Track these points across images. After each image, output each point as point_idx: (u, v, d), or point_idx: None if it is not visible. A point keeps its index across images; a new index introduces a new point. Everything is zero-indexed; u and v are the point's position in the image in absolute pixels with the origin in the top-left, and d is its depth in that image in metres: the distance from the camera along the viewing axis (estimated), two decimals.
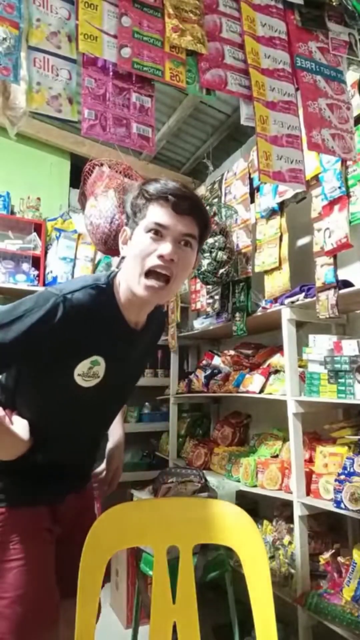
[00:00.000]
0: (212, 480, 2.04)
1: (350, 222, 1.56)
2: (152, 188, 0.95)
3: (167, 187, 0.94)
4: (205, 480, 1.95)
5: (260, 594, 0.91)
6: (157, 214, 0.93)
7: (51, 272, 2.78)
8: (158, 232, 0.93)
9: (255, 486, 1.99)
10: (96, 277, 0.99)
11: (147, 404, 3.15)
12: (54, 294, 0.90)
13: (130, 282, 0.95)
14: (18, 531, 0.97)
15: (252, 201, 2.18)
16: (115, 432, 1.33)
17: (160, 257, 0.91)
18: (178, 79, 1.17)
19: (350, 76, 1.52)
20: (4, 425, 0.95)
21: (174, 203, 0.93)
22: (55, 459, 1.04)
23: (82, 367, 0.96)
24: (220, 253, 2.09)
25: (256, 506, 2.29)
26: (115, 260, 3.06)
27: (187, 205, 0.94)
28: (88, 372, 0.97)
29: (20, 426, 0.99)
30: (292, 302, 1.84)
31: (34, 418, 1.01)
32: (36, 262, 2.81)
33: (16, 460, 0.98)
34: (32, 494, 1.02)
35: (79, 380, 0.97)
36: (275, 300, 1.97)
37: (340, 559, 1.59)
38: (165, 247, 0.91)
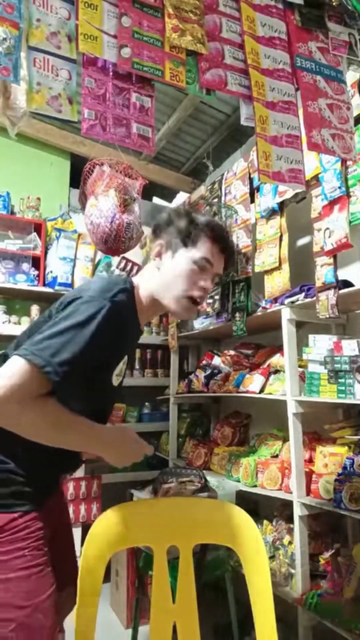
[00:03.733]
0: (212, 480, 2.04)
1: (350, 222, 1.56)
2: (206, 222, 1.09)
3: (221, 228, 1.12)
4: (205, 480, 1.95)
5: (260, 594, 0.91)
6: (210, 251, 1.08)
7: (51, 272, 2.79)
8: (204, 267, 1.07)
9: (255, 486, 1.99)
10: (124, 280, 1.02)
11: (147, 404, 3.15)
12: (103, 299, 0.91)
13: (164, 295, 1.06)
14: (34, 536, 0.92)
15: (252, 201, 2.18)
16: None
17: (203, 289, 1.07)
18: (178, 79, 1.17)
19: (350, 76, 1.52)
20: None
21: (223, 246, 1.11)
22: (74, 454, 1.06)
23: (118, 368, 1.03)
24: None
25: (256, 506, 2.29)
26: (115, 260, 3.06)
27: (229, 249, 1.13)
28: (119, 371, 1.05)
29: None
30: (292, 302, 1.84)
31: None
32: (36, 262, 2.82)
33: (50, 456, 0.94)
34: (46, 494, 1.01)
35: (114, 379, 1.03)
36: (275, 300, 1.97)
37: (340, 559, 1.59)
38: (208, 283, 1.08)
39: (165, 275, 1.06)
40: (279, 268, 1.95)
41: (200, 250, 1.06)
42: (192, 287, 1.05)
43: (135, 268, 3.14)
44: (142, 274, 1.11)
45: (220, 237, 1.09)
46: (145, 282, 1.08)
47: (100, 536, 0.93)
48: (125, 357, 1.06)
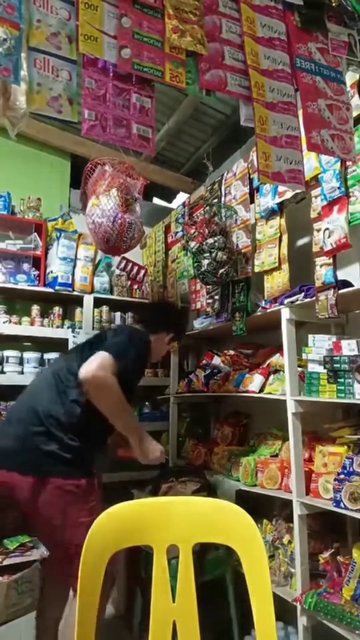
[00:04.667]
0: (212, 479, 2.05)
1: (349, 223, 1.56)
2: (181, 336, 2.12)
3: (184, 328, 2.20)
4: (205, 479, 1.95)
5: (260, 593, 0.91)
6: (177, 342, 2.22)
7: (51, 272, 2.79)
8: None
9: (255, 485, 1.99)
10: (147, 334, 1.85)
11: (147, 403, 3.16)
12: (143, 341, 1.77)
13: (155, 354, 1.92)
14: (93, 496, 1.52)
15: (252, 201, 2.18)
16: None
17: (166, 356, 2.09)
18: (178, 80, 1.17)
19: (350, 77, 1.52)
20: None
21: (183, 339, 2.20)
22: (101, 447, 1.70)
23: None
24: (220, 253, 2.09)
25: (256, 505, 2.29)
26: (115, 260, 3.06)
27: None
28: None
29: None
30: (292, 302, 1.84)
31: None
32: (37, 263, 2.82)
33: (95, 444, 1.62)
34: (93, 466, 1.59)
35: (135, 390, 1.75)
36: (275, 300, 1.98)
37: (339, 558, 1.60)
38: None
39: (159, 351, 1.96)
40: (278, 268, 1.95)
41: (174, 343, 2.10)
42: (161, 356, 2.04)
43: (136, 268, 3.14)
44: (157, 338, 1.89)
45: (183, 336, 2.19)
46: (156, 344, 1.90)
47: (100, 536, 0.93)
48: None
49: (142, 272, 3.14)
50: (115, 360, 1.50)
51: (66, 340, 2.71)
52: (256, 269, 2.08)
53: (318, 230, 1.72)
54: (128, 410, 1.54)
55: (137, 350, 1.64)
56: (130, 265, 3.12)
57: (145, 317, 2.01)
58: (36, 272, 2.78)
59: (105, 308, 3.00)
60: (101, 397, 1.48)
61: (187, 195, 3.21)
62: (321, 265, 1.70)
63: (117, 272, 3.10)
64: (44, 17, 1.05)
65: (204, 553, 1.66)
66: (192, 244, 2.21)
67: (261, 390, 2.06)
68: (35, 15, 1.05)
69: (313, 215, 1.77)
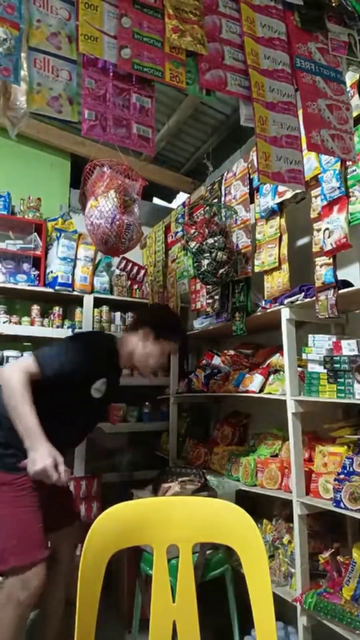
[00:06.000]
0: (212, 479, 2.04)
1: (349, 223, 1.56)
2: (177, 335, 1.84)
3: (181, 334, 1.89)
4: (205, 479, 1.95)
5: (260, 593, 0.91)
6: (174, 348, 1.83)
7: (51, 272, 2.79)
8: (166, 355, 1.80)
9: (255, 485, 1.99)
10: (110, 337, 1.83)
11: (147, 403, 3.16)
12: (98, 347, 1.72)
13: (139, 363, 1.76)
14: (28, 488, 1.48)
15: (252, 201, 2.18)
16: None
17: (162, 366, 1.84)
18: (178, 80, 1.17)
19: (350, 77, 1.52)
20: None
21: (180, 345, 1.85)
22: (59, 447, 1.46)
23: (97, 384, 1.66)
24: (220, 253, 2.09)
25: (256, 505, 2.29)
26: (115, 260, 3.06)
27: (183, 343, 1.85)
28: (99, 387, 1.67)
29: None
30: (292, 302, 1.84)
31: (59, 417, 1.53)
32: (37, 263, 2.82)
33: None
34: None
35: (93, 392, 1.66)
36: (275, 300, 1.98)
37: (339, 558, 1.60)
38: (164, 366, 1.63)
39: (145, 351, 1.74)
40: (278, 268, 1.95)
41: (171, 347, 1.79)
42: (158, 366, 1.81)
43: (136, 268, 3.14)
44: (130, 339, 1.76)
45: (179, 340, 1.83)
46: (131, 346, 1.75)
47: (100, 535, 0.93)
48: (104, 380, 1.67)
49: (142, 272, 3.14)
50: (38, 364, 1.49)
51: None
52: (256, 269, 2.08)
53: (318, 230, 1.72)
54: (26, 412, 1.41)
55: (78, 357, 1.59)
56: (130, 265, 3.12)
57: (140, 322, 1.84)
58: (36, 272, 2.78)
59: (105, 308, 3.00)
60: (3, 396, 1.47)
61: (187, 195, 3.21)
62: (321, 265, 1.70)
63: (117, 272, 3.10)
64: (44, 17, 1.05)
65: (204, 553, 1.66)
66: (192, 244, 2.21)
67: (261, 390, 2.06)
68: (35, 15, 1.05)
69: (313, 215, 1.77)
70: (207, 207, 2.32)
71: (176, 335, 1.81)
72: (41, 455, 1.38)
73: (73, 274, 2.82)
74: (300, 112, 1.32)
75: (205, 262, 2.11)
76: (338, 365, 1.61)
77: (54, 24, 1.06)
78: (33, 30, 1.04)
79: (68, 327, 2.79)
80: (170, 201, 4.09)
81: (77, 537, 1.75)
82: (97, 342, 1.76)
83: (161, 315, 1.98)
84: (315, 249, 1.73)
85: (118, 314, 3.07)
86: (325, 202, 1.66)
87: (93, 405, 1.69)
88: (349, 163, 1.58)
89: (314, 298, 1.71)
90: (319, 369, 1.72)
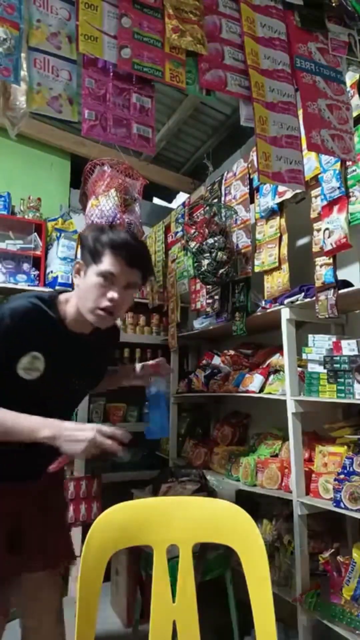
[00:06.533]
0: (212, 479, 2.05)
1: (349, 223, 1.57)
2: (109, 239, 1.15)
3: (123, 241, 1.16)
4: (205, 479, 1.95)
5: (260, 594, 0.91)
6: (112, 264, 1.13)
7: (51, 272, 2.79)
8: (108, 278, 1.13)
9: (255, 485, 1.99)
10: (39, 294, 1.20)
11: (147, 403, 3.15)
12: (13, 314, 1.12)
13: (82, 309, 1.18)
14: None
15: (252, 201, 2.18)
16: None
17: (111, 300, 1.14)
18: (178, 80, 1.17)
19: (350, 77, 1.52)
20: None
21: (127, 257, 1.14)
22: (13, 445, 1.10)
23: (24, 362, 1.13)
24: (220, 253, 2.09)
25: (256, 505, 2.29)
26: None
27: (137, 259, 1.17)
28: (30, 366, 1.14)
29: None
30: (292, 302, 1.84)
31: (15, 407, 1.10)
32: (37, 263, 2.82)
33: None
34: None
35: (21, 373, 1.13)
36: (275, 300, 1.98)
37: (339, 558, 1.59)
38: (114, 293, 1.13)
39: (81, 291, 1.19)
40: (278, 268, 1.95)
41: (104, 264, 1.14)
42: (100, 299, 1.14)
43: None
44: (75, 290, 1.25)
45: (122, 250, 1.14)
46: (74, 298, 1.22)
47: (100, 536, 0.93)
48: (38, 355, 1.14)
49: None
50: None
51: None
52: (256, 269, 2.08)
53: (318, 230, 1.72)
54: (4, 419, 1.06)
55: None
56: None
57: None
58: (36, 272, 2.78)
59: None
60: None
61: (187, 195, 3.21)
62: (321, 265, 1.70)
63: None
64: (44, 17, 1.05)
65: (204, 553, 1.66)
66: (192, 244, 2.21)
67: (261, 390, 2.06)
68: (35, 15, 1.04)
69: (313, 215, 1.77)
70: (207, 207, 2.32)
71: (106, 245, 1.14)
72: (73, 431, 1.03)
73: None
74: (300, 112, 1.32)
75: (205, 262, 2.12)
76: (338, 365, 1.61)
77: (54, 23, 1.06)
78: (33, 30, 1.04)
79: None
80: (170, 201, 4.09)
81: (55, 597, 1.26)
82: (9, 310, 1.12)
83: (84, 234, 1.26)
84: (315, 249, 1.73)
85: None
86: (325, 202, 1.66)
87: (34, 388, 1.14)
88: (349, 163, 1.58)
89: (314, 298, 1.71)
90: (319, 369, 1.72)
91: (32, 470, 1.25)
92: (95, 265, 1.14)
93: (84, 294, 1.16)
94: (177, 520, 1.00)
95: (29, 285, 2.70)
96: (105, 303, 1.13)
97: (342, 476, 1.51)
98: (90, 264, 1.15)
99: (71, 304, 1.21)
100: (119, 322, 1.51)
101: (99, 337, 1.28)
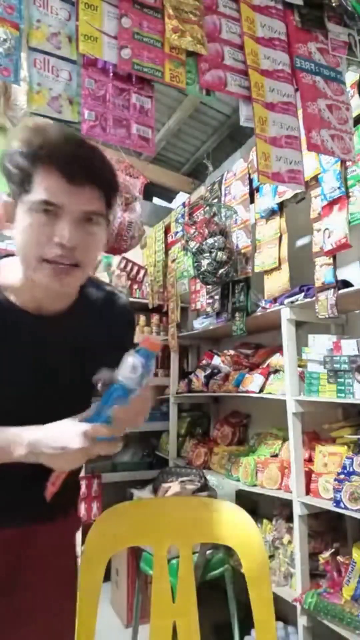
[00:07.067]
0: (212, 479, 2.05)
1: (349, 223, 1.56)
2: (35, 147, 0.71)
3: (57, 145, 0.71)
4: (205, 479, 1.95)
5: (260, 593, 0.91)
6: (46, 188, 0.71)
7: None
8: (50, 211, 0.72)
9: (255, 485, 1.99)
10: None
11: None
12: None
13: (25, 268, 0.77)
14: None
15: (252, 201, 2.18)
16: None
17: (60, 245, 0.72)
18: (178, 80, 1.17)
19: (350, 77, 1.52)
20: None
21: (65, 170, 0.71)
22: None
23: None
24: (220, 253, 2.09)
25: (256, 505, 2.30)
26: (115, 260, 3.06)
27: (87, 170, 0.73)
28: None
29: None
30: (292, 302, 1.84)
31: None
32: None
33: None
34: None
35: None
36: (275, 300, 1.98)
37: (339, 558, 1.60)
38: (64, 233, 0.71)
39: (17, 243, 0.75)
40: (278, 268, 1.95)
41: (37, 190, 0.71)
42: (42, 246, 0.72)
43: (136, 268, 3.14)
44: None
45: (58, 161, 0.70)
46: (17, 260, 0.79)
47: (100, 536, 0.94)
48: None
49: (142, 272, 3.14)
50: None
51: None
52: (256, 269, 2.08)
53: (318, 230, 1.72)
54: None
55: None
56: (130, 265, 3.12)
57: None
58: None
59: None
60: None
61: (187, 195, 3.21)
62: (321, 265, 1.70)
63: (117, 272, 3.10)
64: (43, 17, 1.05)
65: (203, 553, 1.66)
66: (192, 244, 2.21)
67: (261, 390, 2.06)
68: (35, 15, 1.05)
69: (313, 215, 1.77)
70: (207, 207, 2.32)
71: (32, 159, 0.72)
72: (54, 442, 0.69)
73: None
74: (300, 112, 1.32)
75: (205, 262, 2.12)
76: (338, 365, 1.61)
77: (54, 24, 1.06)
78: (33, 30, 1.04)
79: None
80: (170, 201, 4.09)
81: None
82: None
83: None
84: (315, 249, 1.73)
85: None
86: (325, 202, 1.66)
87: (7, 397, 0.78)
88: (349, 163, 1.57)
89: (314, 298, 1.71)
90: (319, 369, 1.72)
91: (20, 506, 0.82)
92: (26, 196, 0.72)
93: (19, 246, 0.75)
94: (177, 520, 1.01)
95: None
96: (52, 250, 0.72)
97: (342, 476, 1.51)
98: (18, 197, 0.73)
99: (13, 269, 0.79)
100: (122, 295, 0.98)
101: (89, 319, 0.88)
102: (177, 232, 2.88)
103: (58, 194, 0.71)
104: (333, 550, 1.66)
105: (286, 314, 1.83)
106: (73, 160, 0.72)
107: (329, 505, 1.54)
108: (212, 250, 2.10)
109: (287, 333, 1.82)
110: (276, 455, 2.05)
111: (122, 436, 0.74)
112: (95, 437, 0.69)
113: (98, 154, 0.77)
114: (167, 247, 3.01)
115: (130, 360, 0.69)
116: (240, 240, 2.22)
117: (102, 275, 3.00)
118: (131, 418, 0.73)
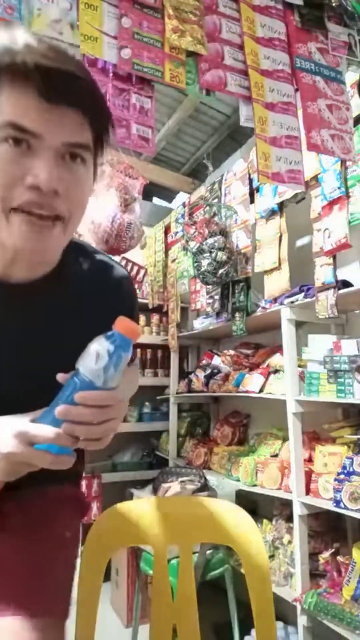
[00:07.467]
0: (212, 479, 2.05)
1: (349, 223, 1.56)
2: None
3: (22, 49, 0.52)
4: (205, 479, 1.95)
5: (260, 593, 0.91)
6: (14, 106, 0.52)
7: None
8: (20, 141, 0.53)
9: (255, 485, 1.99)
10: None
11: (147, 403, 3.16)
12: None
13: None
14: None
15: (252, 201, 2.18)
16: None
17: (34, 188, 0.53)
18: (178, 80, 1.17)
19: (350, 77, 1.52)
20: None
21: (42, 86, 0.51)
22: None
23: None
24: (220, 253, 2.09)
25: (256, 505, 2.30)
26: (115, 260, 3.06)
27: (67, 88, 0.53)
28: None
29: None
30: (292, 302, 1.84)
31: None
32: None
33: None
34: None
35: None
36: (275, 300, 1.98)
37: (339, 558, 1.60)
38: (40, 172, 0.53)
39: None
40: (278, 268, 1.95)
41: (0, 111, 0.52)
42: (7, 189, 0.53)
43: (136, 268, 3.14)
44: None
45: (35, 65, 0.51)
46: None
47: (100, 536, 0.93)
48: None
49: (142, 272, 3.14)
50: None
51: None
52: (256, 269, 2.08)
53: (318, 231, 1.72)
54: None
55: None
56: (130, 265, 3.12)
57: None
58: None
59: None
60: None
61: (187, 195, 3.21)
62: (321, 265, 1.70)
63: None
64: (44, 8, 1.05)
65: (204, 553, 1.66)
66: (192, 244, 2.21)
67: (261, 390, 2.06)
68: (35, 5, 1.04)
69: (313, 215, 1.77)
70: (207, 207, 2.32)
71: None
72: None
73: None
74: (300, 112, 1.32)
75: (205, 262, 2.12)
76: (338, 365, 1.61)
77: (54, 16, 1.06)
78: (34, 18, 1.04)
79: None
80: (170, 201, 4.09)
81: None
82: None
83: None
84: (315, 249, 1.73)
85: None
86: (325, 202, 1.66)
87: None
88: (349, 163, 1.58)
89: (314, 298, 1.71)
90: (319, 369, 1.72)
91: None
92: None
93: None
94: (177, 520, 1.01)
95: None
96: (23, 196, 0.54)
97: (342, 476, 1.51)
98: None
99: None
100: (120, 267, 0.82)
101: (73, 296, 0.71)
102: (177, 232, 2.88)
103: (32, 116, 0.52)
104: (333, 550, 1.66)
105: (286, 314, 1.84)
106: (52, 72, 0.51)
107: (329, 505, 1.54)
108: (212, 250, 2.10)
109: (287, 333, 1.82)
110: (276, 455, 2.05)
111: (74, 451, 0.55)
112: (33, 442, 0.53)
113: (84, 69, 0.58)
114: (167, 247, 3.01)
115: (94, 347, 0.53)
116: (240, 240, 2.22)
117: None
118: (88, 424, 0.53)
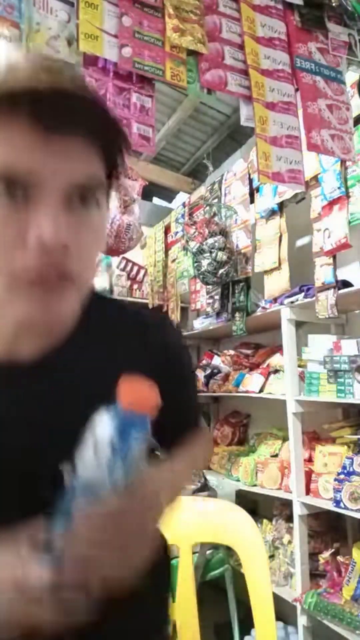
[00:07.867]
0: (212, 479, 2.05)
1: (349, 222, 1.56)
2: None
3: (12, 72, 0.41)
4: (205, 479, 1.95)
5: (260, 593, 0.91)
6: (7, 144, 0.41)
7: None
8: (14, 191, 0.41)
9: (255, 485, 1.99)
10: None
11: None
12: None
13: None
14: None
15: (252, 201, 2.18)
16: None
17: (40, 246, 0.41)
18: (179, 79, 1.17)
19: (350, 76, 1.52)
20: None
21: (38, 113, 0.40)
22: None
23: None
24: (220, 253, 2.09)
25: (256, 505, 2.29)
26: (115, 260, 3.06)
27: (69, 112, 0.41)
28: None
29: None
30: (292, 302, 1.84)
31: None
32: None
33: None
34: None
35: None
36: (275, 300, 1.98)
37: (339, 558, 1.60)
38: (43, 223, 0.41)
39: None
40: (278, 268, 1.95)
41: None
42: (8, 252, 0.43)
43: (136, 268, 3.14)
44: None
45: (28, 95, 0.39)
46: None
47: None
48: None
49: (142, 272, 3.14)
50: None
51: None
52: (256, 269, 2.08)
53: (318, 230, 1.72)
54: None
55: None
56: (130, 265, 3.12)
57: None
58: None
59: None
60: None
61: (187, 195, 3.21)
62: (321, 265, 1.70)
63: (117, 272, 3.10)
64: (43, 20, 1.05)
65: (203, 553, 1.66)
66: (192, 244, 2.21)
67: (261, 390, 2.06)
68: (35, 18, 1.04)
69: (313, 215, 1.77)
70: (207, 207, 2.32)
71: None
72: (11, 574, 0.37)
73: None
74: (300, 112, 1.32)
75: (205, 262, 2.11)
76: (338, 365, 1.61)
77: (53, 27, 1.06)
78: (33, 34, 1.04)
79: None
80: (170, 201, 4.09)
81: None
82: None
83: None
84: (315, 249, 1.73)
85: None
86: (325, 202, 1.66)
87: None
88: (349, 163, 1.57)
89: (314, 298, 1.71)
90: (319, 369, 1.71)
91: None
92: None
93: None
94: (177, 520, 1.00)
95: None
96: (27, 257, 0.42)
97: (342, 476, 1.51)
98: None
99: None
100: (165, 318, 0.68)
101: (104, 353, 0.55)
102: (177, 232, 2.88)
103: (24, 156, 0.41)
104: (333, 550, 1.66)
105: (286, 314, 1.83)
106: (46, 93, 0.39)
107: (329, 505, 1.54)
108: (212, 250, 2.10)
109: (287, 333, 1.82)
110: (276, 455, 2.04)
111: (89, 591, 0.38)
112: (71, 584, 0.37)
113: (86, 85, 0.46)
114: (167, 247, 3.01)
115: (92, 434, 0.36)
116: (240, 240, 2.22)
117: (102, 276, 3.00)
118: (91, 553, 0.38)
